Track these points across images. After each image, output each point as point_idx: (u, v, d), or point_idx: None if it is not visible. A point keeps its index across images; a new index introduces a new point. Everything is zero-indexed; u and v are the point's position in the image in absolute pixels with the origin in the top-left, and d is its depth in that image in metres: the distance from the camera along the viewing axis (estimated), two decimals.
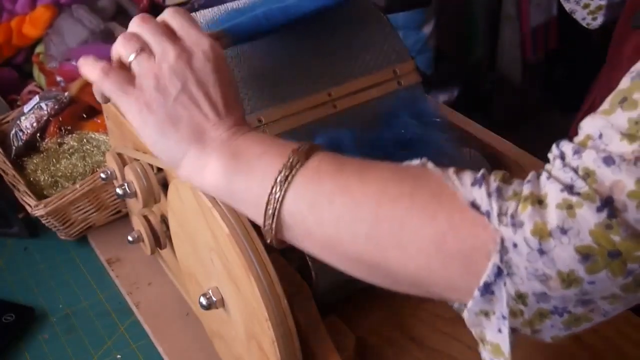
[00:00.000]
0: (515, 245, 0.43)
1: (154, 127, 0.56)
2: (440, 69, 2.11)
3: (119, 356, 0.82)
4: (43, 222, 0.93)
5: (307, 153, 0.52)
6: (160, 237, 0.82)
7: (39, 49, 1.19)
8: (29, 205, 0.92)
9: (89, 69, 0.61)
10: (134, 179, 0.77)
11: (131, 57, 0.57)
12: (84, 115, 1.05)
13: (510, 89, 2.25)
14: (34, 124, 1.03)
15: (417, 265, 0.47)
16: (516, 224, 0.43)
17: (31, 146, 1.03)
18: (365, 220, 0.48)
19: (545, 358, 0.73)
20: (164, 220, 0.80)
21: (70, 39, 1.14)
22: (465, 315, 0.48)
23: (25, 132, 1.03)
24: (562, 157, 0.44)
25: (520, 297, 0.44)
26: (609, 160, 0.41)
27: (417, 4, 0.94)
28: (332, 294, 0.73)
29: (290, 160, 0.52)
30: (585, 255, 0.41)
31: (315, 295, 0.68)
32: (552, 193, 0.43)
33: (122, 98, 0.57)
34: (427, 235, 0.46)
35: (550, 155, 0.45)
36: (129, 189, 0.78)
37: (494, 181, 0.45)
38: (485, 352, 0.49)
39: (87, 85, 0.65)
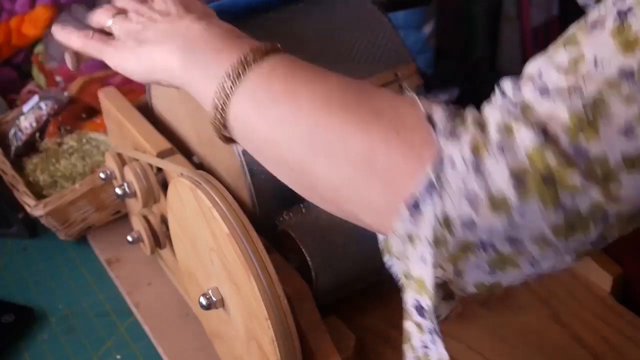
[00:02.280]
0: (452, 162, 0.43)
1: (131, 55, 0.60)
2: (440, 69, 2.11)
3: (118, 356, 0.82)
4: (42, 222, 0.93)
5: (265, 52, 0.53)
6: (160, 237, 0.82)
7: (39, 48, 1.19)
8: (28, 205, 0.92)
9: (69, 36, 0.66)
10: (133, 179, 0.77)
11: (109, 22, 0.64)
12: (84, 115, 1.05)
13: None
14: (33, 124, 1.03)
15: (341, 177, 0.48)
16: (457, 141, 0.43)
17: (30, 146, 1.03)
18: (304, 124, 0.49)
19: (545, 358, 0.73)
20: (164, 220, 0.80)
21: None
22: (392, 243, 0.47)
23: (25, 132, 1.03)
24: (503, 93, 0.44)
25: (447, 221, 0.43)
26: (544, 92, 0.42)
27: (417, 2, 0.94)
28: (332, 294, 0.73)
29: (246, 58, 0.53)
30: (518, 177, 0.41)
31: (315, 295, 0.68)
32: (493, 117, 0.43)
33: (105, 49, 0.63)
34: (358, 147, 0.46)
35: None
36: (128, 189, 0.78)
37: (454, 109, 0.46)
38: (409, 292, 0.48)
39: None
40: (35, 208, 0.91)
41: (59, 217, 0.92)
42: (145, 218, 0.82)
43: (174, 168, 0.72)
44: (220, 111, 0.53)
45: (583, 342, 0.74)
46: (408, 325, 0.49)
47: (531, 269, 0.45)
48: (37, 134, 1.03)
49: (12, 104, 1.14)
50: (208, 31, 0.57)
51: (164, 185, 0.76)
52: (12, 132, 1.04)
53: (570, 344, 0.74)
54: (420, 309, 0.47)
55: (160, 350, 0.81)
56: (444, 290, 0.47)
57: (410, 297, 0.48)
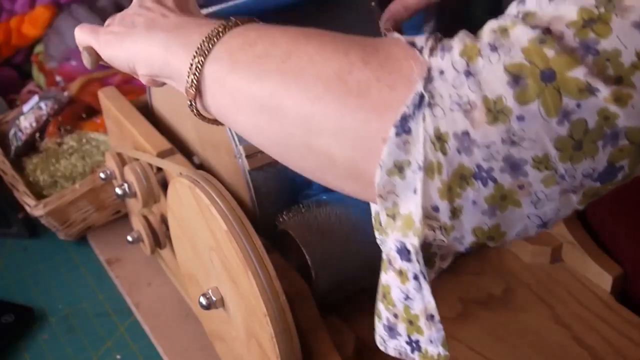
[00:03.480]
0: (442, 72, 0.39)
1: (117, 44, 0.59)
2: None
3: (118, 356, 0.82)
4: (42, 222, 0.93)
5: (248, 20, 0.52)
6: (160, 237, 0.82)
7: (39, 48, 1.19)
8: (28, 205, 0.92)
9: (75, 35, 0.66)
10: (133, 179, 0.77)
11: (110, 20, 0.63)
12: (84, 115, 1.05)
13: None
14: (33, 124, 1.03)
15: (311, 102, 0.43)
16: (445, 49, 0.40)
17: (30, 146, 1.03)
18: (278, 56, 0.46)
19: (545, 358, 0.73)
20: (164, 220, 0.80)
21: (70, 38, 1.14)
22: (378, 178, 0.42)
23: (25, 132, 1.03)
24: (506, 13, 0.41)
25: (440, 138, 0.39)
26: None
27: None
28: (332, 294, 0.73)
29: (227, 23, 0.51)
30: (515, 75, 0.37)
31: (315, 295, 0.68)
32: (487, 25, 0.40)
33: (93, 38, 0.62)
34: (332, 67, 0.43)
35: None
36: (128, 189, 0.78)
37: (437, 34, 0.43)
38: (393, 235, 0.43)
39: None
40: (35, 208, 0.91)
41: (59, 217, 0.92)
42: (145, 218, 0.82)
43: (174, 168, 0.72)
44: (195, 73, 0.50)
45: (583, 342, 0.74)
46: (386, 278, 0.45)
47: (533, 209, 0.40)
48: (37, 134, 1.03)
49: (12, 104, 1.14)
50: (194, 19, 0.56)
51: (164, 185, 0.77)
52: (12, 132, 1.04)
53: (570, 344, 0.74)
54: (404, 252, 0.43)
55: (160, 350, 0.81)
56: (425, 252, 0.43)
57: (392, 242, 0.44)
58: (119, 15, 0.61)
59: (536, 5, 0.39)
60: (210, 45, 0.50)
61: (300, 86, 0.44)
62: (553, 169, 0.38)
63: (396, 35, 0.44)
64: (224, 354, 0.75)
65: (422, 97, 0.40)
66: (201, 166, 0.79)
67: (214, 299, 0.67)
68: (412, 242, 0.42)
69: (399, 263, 0.44)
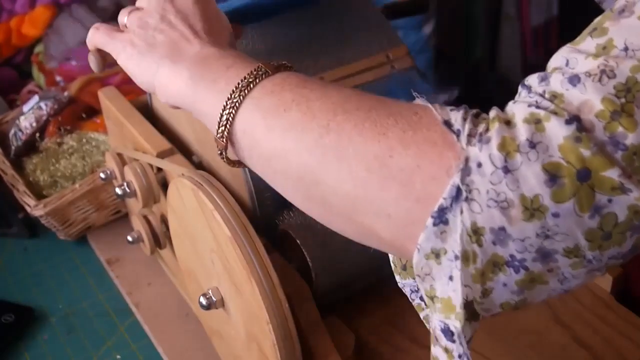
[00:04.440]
0: (479, 165, 0.40)
1: (136, 56, 0.58)
2: (440, 69, 2.11)
3: (118, 356, 0.82)
4: (42, 222, 0.93)
5: (277, 68, 0.51)
6: (160, 237, 0.82)
7: (39, 48, 1.19)
8: (28, 205, 0.92)
9: (89, 34, 0.65)
10: (133, 179, 0.77)
11: (125, 19, 0.61)
12: (84, 115, 1.05)
13: (510, 89, 2.25)
14: (33, 124, 1.03)
15: (354, 184, 0.44)
16: (483, 141, 0.40)
17: (30, 146, 1.03)
18: (315, 130, 0.46)
19: (545, 358, 0.73)
20: (164, 220, 0.80)
21: (70, 38, 1.14)
22: (415, 259, 0.43)
23: (25, 132, 1.03)
24: (529, 88, 0.42)
25: (476, 232, 0.40)
26: (574, 80, 0.39)
27: (415, 11, 0.95)
28: (332, 294, 0.73)
29: (257, 71, 0.50)
30: (552, 175, 0.38)
31: (315, 296, 0.68)
32: (519, 111, 0.40)
33: (110, 42, 0.61)
34: (372, 148, 0.43)
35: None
36: (128, 188, 0.78)
37: (472, 111, 0.43)
38: (435, 314, 0.45)
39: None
40: (35, 208, 0.91)
41: (59, 217, 0.92)
42: (145, 218, 0.82)
43: (174, 168, 0.72)
44: (227, 125, 0.50)
45: (583, 342, 0.74)
46: (435, 351, 0.47)
47: (559, 285, 0.42)
48: (37, 134, 1.03)
49: (12, 104, 1.14)
50: (219, 53, 0.55)
51: (164, 185, 0.76)
52: (12, 132, 1.04)
53: (570, 344, 0.74)
54: (448, 333, 0.45)
55: (160, 350, 0.81)
56: (469, 310, 0.44)
57: (436, 321, 0.45)
58: (137, 18, 0.59)
59: (561, 86, 0.40)
60: (241, 98, 0.49)
61: (340, 165, 0.44)
62: (582, 257, 0.40)
63: (430, 107, 0.44)
64: (223, 352, 0.75)
65: (459, 189, 0.40)
66: (200, 165, 0.79)
67: (214, 299, 0.67)
68: (456, 326, 0.44)
69: (444, 342, 0.45)
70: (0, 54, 1.19)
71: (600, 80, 0.38)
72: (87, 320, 0.87)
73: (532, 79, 0.42)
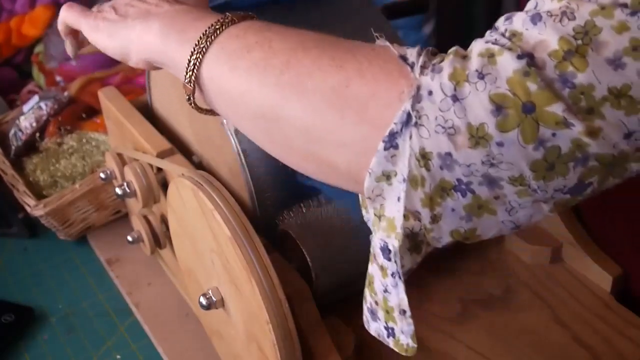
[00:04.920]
0: (430, 93, 0.41)
1: (107, 29, 0.60)
2: None
3: (118, 356, 0.82)
4: (42, 222, 0.93)
5: (244, 17, 0.53)
6: (160, 237, 0.82)
7: (39, 48, 1.19)
8: (28, 205, 0.92)
9: (61, 13, 0.66)
10: (133, 179, 0.77)
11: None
12: (84, 115, 1.05)
13: None
14: (33, 124, 1.03)
15: (313, 115, 0.46)
16: (435, 70, 0.42)
17: (30, 146, 1.03)
18: (276, 67, 0.48)
19: (545, 358, 0.73)
20: (164, 220, 0.80)
21: None
22: (367, 183, 0.45)
23: (25, 132, 1.03)
24: (494, 27, 0.43)
25: (424, 156, 0.42)
26: (536, 18, 0.40)
27: (415, 11, 0.95)
28: (332, 294, 0.73)
29: (224, 19, 0.52)
30: (498, 105, 0.39)
31: (315, 296, 0.68)
32: (477, 47, 0.42)
33: (82, 20, 0.62)
34: (330, 82, 0.45)
35: None
36: (128, 188, 0.78)
37: (429, 48, 0.45)
38: (378, 233, 0.46)
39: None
40: (35, 208, 0.91)
41: (59, 217, 0.92)
42: (145, 218, 0.82)
43: (174, 168, 0.72)
44: (194, 70, 0.52)
45: (583, 342, 0.74)
46: (372, 269, 0.49)
47: (507, 216, 0.43)
48: (37, 134, 1.03)
49: (12, 104, 1.14)
50: (189, 8, 0.57)
51: (164, 185, 0.77)
52: (12, 132, 1.04)
53: (570, 344, 0.74)
54: (386, 250, 0.46)
55: (160, 350, 0.81)
56: (412, 241, 0.46)
57: (377, 239, 0.47)
58: (108, 3, 0.62)
59: (522, 26, 0.41)
60: (208, 43, 0.51)
61: (299, 99, 0.46)
62: (527, 185, 0.41)
63: (388, 45, 0.46)
64: (223, 352, 0.75)
65: (409, 115, 0.42)
66: (200, 165, 0.79)
67: (214, 299, 0.67)
68: (394, 244, 0.45)
69: (381, 259, 0.47)
70: (0, 54, 1.19)
71: (560, 20, 0.40)
72: (87, 320, 0.87)
73: (500, 20, 0.43)
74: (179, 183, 0.68)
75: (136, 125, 0.81)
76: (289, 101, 0.47)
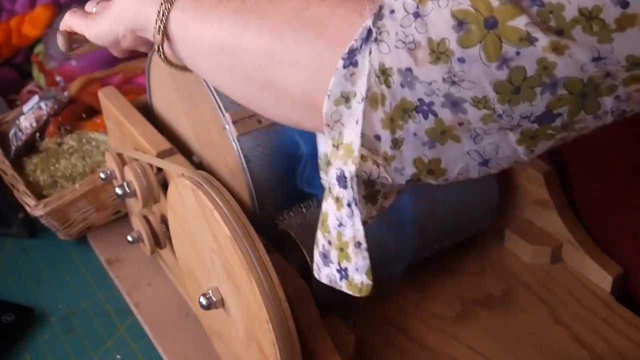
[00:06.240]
0: (392, 11, 0.41)
1: (99, 19, 0.62)
2: None
3: (118, 356, 0.82)
4: (42, 222, 0.93)
5: None
6: (160, 237, 0.82)
7: (39, 48, 1.19)
8: (28, 205, 0.92)
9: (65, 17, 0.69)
10: (133, 179, 0.77)
11: (94, 9, 0.66)
12: (84, 115, 1.05)
13: None
14: (34, 124, 1.03)
15: (270, 36, 0.46)
16: None
17: (30, 146, 1.03)
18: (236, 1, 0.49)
19: (545, 358, 0.73)
20: (164, 220, 0.80)
21: None
22: (326, 108, 0.44)
23: (25, 132, 1.03)
24: None
25: (384, 72, 0.41)
26: None
27: None
28: (332, 294, 0.72)
29: None
30: (460, 20, 0.38)
31: (315, 296, 0.68)
32: None
33: (82, 22, 0.65)
34: (290, 5, 0.46)
35: None
36: (128, 188, 0.78)
37: None
38: (335, 163, 0.46)
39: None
40: (35, 208, 0.91)
41: (59, 217, 0.92)
42: (145, 218, 0.82)
43: (174, 168, 0.72)
44: (162, 20, 0.54)
45: (583, 342, 0.74)
46: (325, 205, 0.48)
47: (472, 144, 0.42)
48: (37, 134, 1.03)
49: (13, 104, 1.14)
50: None
51: (164, 185, 0.77)
52: (12, 132, 1.04)
53: (570, 344, 0.74)
54: (342, 179, 0.45)
55: (160, 350, 0.81)
56: (368, 188, 0.45)
57: (334, 170, 0.46)
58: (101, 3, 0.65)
59: None
60: None
61: (259, 23, 0.47)
62: (491, 109, 0.40)
63: None
64: (223, 353, 0.75)
65: (370, 31, 0.41)
66: (200, 165, 0.79)
67: (214, 299, 0.67)
68: (350, 170, 0.44)
69: (337, 190, 0.46)
70: (0, 54, 1.19)
71: None
72: (87, 320, 0.87)
73: None
74: (179, 183, 0.68)
75: (136, 125, 0.81)
76: (249, 26, 0.48)
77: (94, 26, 0.63)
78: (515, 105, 0.40)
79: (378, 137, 0.43)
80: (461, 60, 0.39)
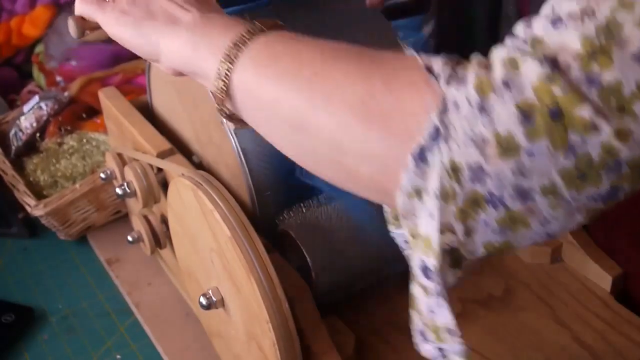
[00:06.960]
0: (456, 105, 0.41)
1: (132, 26, 0.59)
2: None
3: (118, 356, 0.82)
4: (43, 222, 0.93)
5: (272, 26, 0.53)
6: (160, 237, 0.82)
7: (39, 48, 1.19)
8: (28, 205, 0.92)
9: (76, 4, 0.64)
10: (133, 179, 0.77)
11: None
12: (84, 115, 1.05)
13: None
14: (34, 124, 1.03)
15: (339, 125, 0.46)
16: (460, 82, 0.42)
17: (31, 146, 1.03)
18: (305, 76, 0.48)
19: (545, 358, 0.73)
20: (164, 220, 0.80)
21: (70, 38, 1.14)
22: (399, 200, 0.45)
23: (25, 132, 1.03)
24: (514, 35, 0.43)
25: (455, 170, 0.42)
26: (556, 22, 0.40)
27: (415, 11, 0.95)
28: (332, 294, 0.73)
29: (253, 28, 0.53)
30: (525, 113, 0.39)
31: (315, 295, 0.68)
32: (498, 55, 0.42)
33: (99, 11, 0.61)
34: (357, 91, 0.45)
35: None
36: (128, 188, 0.78)
37: (454, 57, 0.45)
38: (416, 252, 0.46)
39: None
40: (35, 208, 0.91)
41: (59, 217, 0.92)
42: (146, 218, 0.82)
43: (174, 168, 0.72)
44: (224, 79, 0.52)
45: (583, 342, 0.74)
46: (414, 289, 0.48)
47: (541, 228, 0.43)
48: (38, 134, 1.03)
49: (13, 104, 1.14)
50: (215, 15, 0.57)
51: (164, 185, 0.77)
52: (12, 132, 1.04)
53: (570, 344, 0.74)
54: (426, 270, 0.45)
55: (160, 350, 0.81)
56: (452, 256, 0.45)
57: (416, 258, 0.46)
58: None
59: (543, 30, 0.41)
60: (238, 53, 0.52)
61: (326, 110, 0.47)
62: (559, 195, 0.41)
63: (414, 54, 0.46)
64: (223, 352, 0.75)
65: (437, 128, 0.42)
66: (200, 165, 0.79)
67: (214, 299, 0.67)
68: (433, 263, 0.45)
69: (423, 279, 0.46)
70: (0, 54, 1.19)
71: (581, 21, 0.39)
72: (87, 320, 0.87)
73: (519, 26, 0.43)
74: (179, 183, 0.68)
75: (136, 125, 0.81)
76: (317, 111, 0.47)
77: (123, 30, 0.59)
78: (582, 190, 0.41)
79: (452, 228, 0.44)
80: (529, 154, 0.40)
